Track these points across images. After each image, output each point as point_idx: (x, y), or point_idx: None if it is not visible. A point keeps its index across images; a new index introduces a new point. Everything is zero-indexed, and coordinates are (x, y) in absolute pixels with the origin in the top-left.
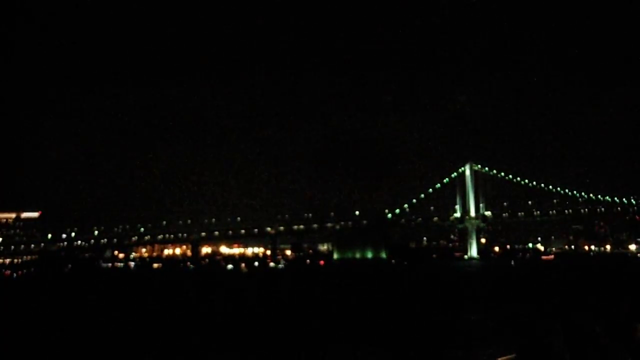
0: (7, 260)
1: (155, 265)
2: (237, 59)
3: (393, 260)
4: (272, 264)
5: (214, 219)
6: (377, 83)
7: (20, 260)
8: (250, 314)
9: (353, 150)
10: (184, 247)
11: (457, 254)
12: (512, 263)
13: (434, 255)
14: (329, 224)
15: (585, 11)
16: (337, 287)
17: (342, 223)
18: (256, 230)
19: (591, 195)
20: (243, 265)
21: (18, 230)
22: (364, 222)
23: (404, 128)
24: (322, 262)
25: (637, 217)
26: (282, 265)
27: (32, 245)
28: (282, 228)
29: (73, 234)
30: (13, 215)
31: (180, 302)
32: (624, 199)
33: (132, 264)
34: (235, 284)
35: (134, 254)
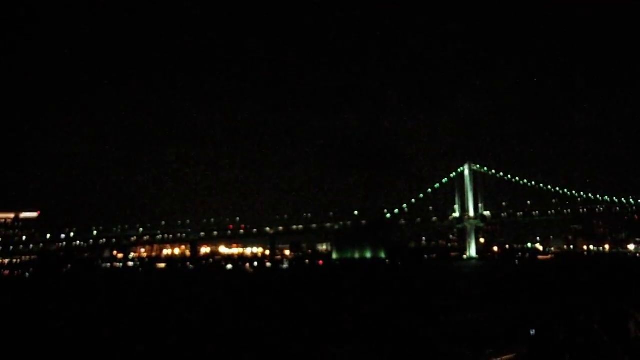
0: (7, 261)
1: (160, 265)
2: (238, 59)
3: (387, 260)
4: (268, 264)
5: (213, 219)
6: (377, 84)
7: (19, 260)
8: (251, 313)
9: (352, 151)
10: (183, 247)
11: (453, 254)
12: (517, 262)
13: (433, 255)
14: (328, 224)
15: (586, 12)
16: (336, 287)
17: (341, 223)
18: (255, 230)
19: (590, 195)
20: (247, 265)
21: (17, 231)
22: (363, 222)
23: (403, 128)
24: (321, 262)
25: (636, 217)
26: (286, 265)
27: (31, 246)
28: (281, 228)
29: (72, 234)
30: (12, 215)
31: (183, 302)
32: (622, 199)
33: (130, 263)
34: (239, 284)
35: (132, 254)
